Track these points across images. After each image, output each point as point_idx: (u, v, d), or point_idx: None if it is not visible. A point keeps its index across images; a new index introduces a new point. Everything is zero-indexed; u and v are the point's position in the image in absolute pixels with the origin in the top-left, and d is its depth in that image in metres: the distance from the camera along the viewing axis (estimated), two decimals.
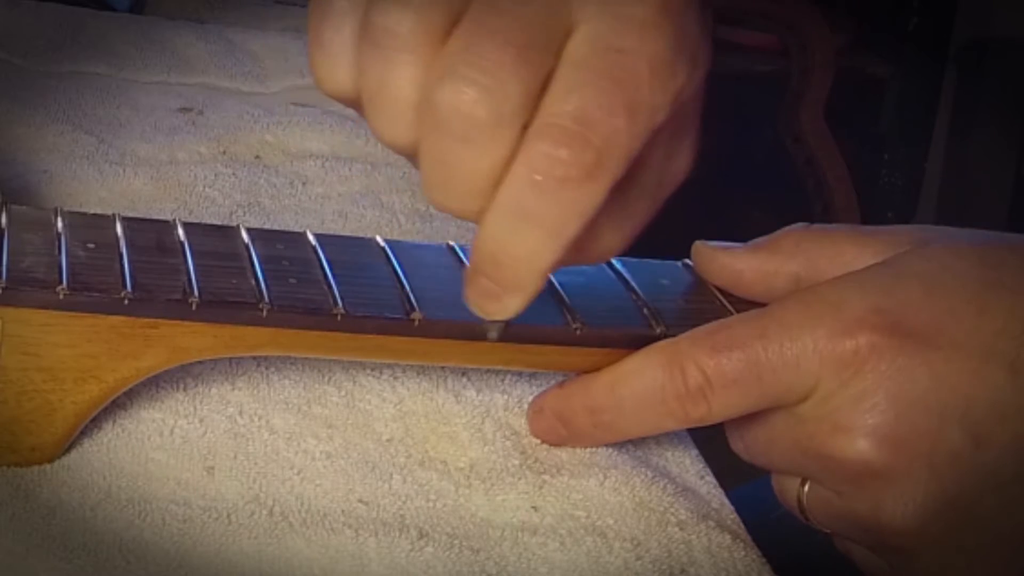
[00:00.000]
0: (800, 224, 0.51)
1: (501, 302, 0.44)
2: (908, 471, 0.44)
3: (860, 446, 0.45)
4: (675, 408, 0.47)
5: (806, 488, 0.47)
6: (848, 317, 0.45)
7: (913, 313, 0.45)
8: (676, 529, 0.46)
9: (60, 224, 0.46)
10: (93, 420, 0.44)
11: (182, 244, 0.46)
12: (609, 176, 0.42)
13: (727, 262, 0.51)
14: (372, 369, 0.51)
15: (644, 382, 0.47)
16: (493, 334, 0.46)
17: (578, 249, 0.44)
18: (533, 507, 0.46)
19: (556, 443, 0.49)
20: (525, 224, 0.42)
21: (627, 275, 0.50)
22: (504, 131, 0.41)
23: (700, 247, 0.52)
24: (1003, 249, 0.47)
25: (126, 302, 0.43)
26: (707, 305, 0.50)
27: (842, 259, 0.49)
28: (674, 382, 0.46)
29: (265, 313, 0.44)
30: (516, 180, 0.41)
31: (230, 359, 0.49)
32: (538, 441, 0.49)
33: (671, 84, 0.43)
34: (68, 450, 0.44)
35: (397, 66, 0.41)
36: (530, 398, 0.51)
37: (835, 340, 0.45)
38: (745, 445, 0.49)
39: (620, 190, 0.43)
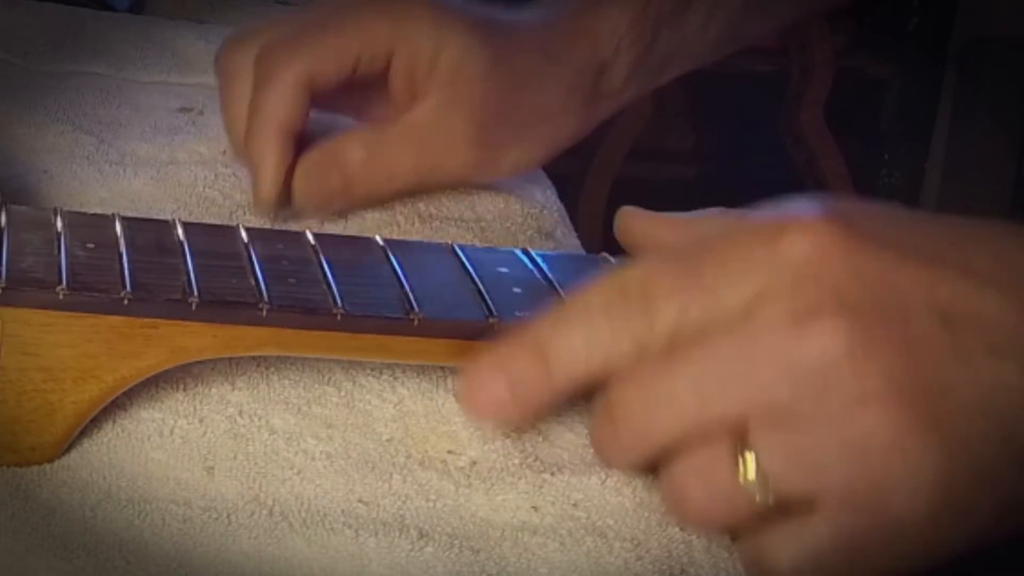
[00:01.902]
0: (715, 208, 0.51)
1: (259, 179, 0.60)
2: (889, 369, 0.40)
3: (830, 328, 0.40)
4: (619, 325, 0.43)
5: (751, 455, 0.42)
6: (799, 216, 0.42)
7: (859, 220, 0.42)
8: (676, 530, 0.46)
9: (60, 224, 0.46)
10: (93, 420, 0.44)
11: (182, 244, 0.46)
12: (298, 62, 0.60)
13: (647, 227, 0.54)
14: (372, 369, 0.51)
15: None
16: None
17: (343, 169, 0.61)
18: (533, 507, 0.46)
19: (498, 415, 0.47)
20: (251, 112, 0.60)
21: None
22: None
23: (624, 211, 0.55)
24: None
25: (126, 302, 0.43)
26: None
27: None
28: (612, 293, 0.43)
29: (265, 313, 0.44)
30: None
31: (230, 359, 0.49)
32: (539, 441, 0.49)
33: None
34: (68, 450, 0.44)
35: None
36: None
37: (782, 239, 0.41)
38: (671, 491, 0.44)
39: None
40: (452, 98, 0.62)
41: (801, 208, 0.42)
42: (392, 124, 0.62)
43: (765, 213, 0.43)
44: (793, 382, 0.41)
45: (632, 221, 0.54)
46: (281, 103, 0.58)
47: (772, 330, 0.41)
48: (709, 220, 0.51)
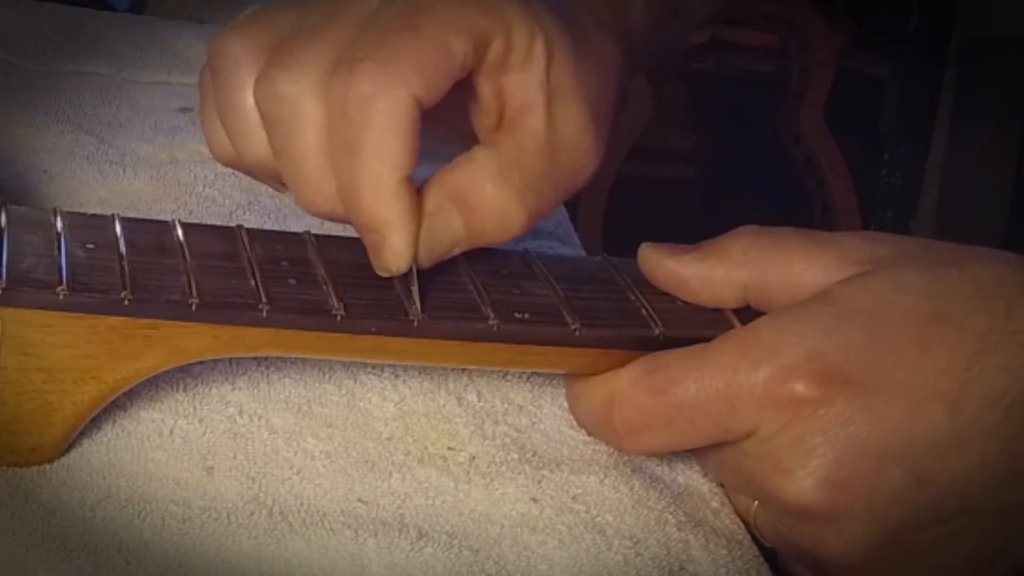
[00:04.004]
0: (749, 227, 0.49)
1: (388, 246, 0.46)
2: (849, 512, 0.45)
3: (800, 488, 0.45)
4: (614, 440, 0.48)
5: (755, 505, 0.47)
6: (785, 363, 0.45)
7: (854, 357, 0.45)
8: (675, 528, 0.46)
9: (59, 224, 0.46)
10: (93, 420, 0.44)
11: (181, 245, 0.46)
12: (403, 83, 0.45)
13: (673, 268, 0.49)
14: (373, 368, 0.51)
15: (589, 412, 0.49)
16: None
17: (470, 212, 0.47)
18: (532, 499, 0.46)
19: None
20: (348, 156, 0.45)
21: (626, 275, 0.50)
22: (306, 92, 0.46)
23: (646, 251, 0.50)
24: (952, 272, 0.46)
25: (126, 303, 0.43)
26: (704, 307, 0.50)
27: (791, 269, 0.48)
28: (611, 419, 0.47)
29: (265, 314, 0.44)
30: (329, 123, 0.46)
31: (230, 358, 0.49)
32: (538, 437, 0.50)
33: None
34: (68, 450, 0.44)
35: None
36: (530, 396, 0.52)
37: (771, 386, 0.45)
38: (699, 460, 0.50)
39: (499, 147, 0.47)
40: (559, 91, 0.49)
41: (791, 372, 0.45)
42: (507, 140, 0.48)
43: (764, 370, 0.45)
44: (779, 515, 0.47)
45: (652, 264, 0.50)
46: (398, 145, 0.45)
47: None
48: (729, 264, 0.49)
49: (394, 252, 0.46)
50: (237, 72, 0.49)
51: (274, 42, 0.48)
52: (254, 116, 0.48)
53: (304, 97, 0.46)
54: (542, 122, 0.48)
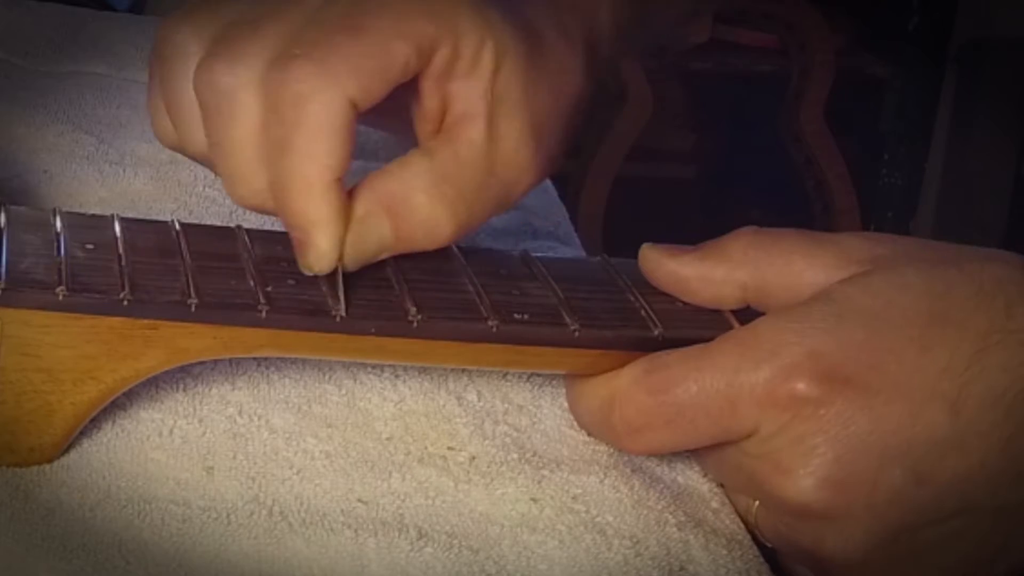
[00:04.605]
0: (749, 228, 0.49)
1: (313, 246, 0.45)
2: (849, 511, 0.45)
3: (800, 488, 0.45)
4: (614, 440, 0.48)
5: (755, 505, 0.47)
6: (786, 362, 0.45)
7: (853, 356, 0.45)
8: (675, 528, 0.46)
9: (59, 225, 0.46)
10: (92, 420, 0.44)
11: (181, 245, 0.46)
12: (338, 85, 0.45)
13: (673, 268, 0.49)
14: (373, 368, 0.51)
15: (589, 412, 0.49)
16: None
17: (399, 220, 0.46)
18: (532, 499, 0.46)
19: None
20: (279, 154, 0.45)
21: (625, 276, 0.50)
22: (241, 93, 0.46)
23: (646, 251, 0.50)
24: (951, 272, 0.46)
25: (125, 303, 0.43)
26: (703, 308, 0.50)
27: (791, 270, 0.48)
28: (612, 419, 0.47)
29: (264, 314, 0.44)
30: (263, 119, 0.46)
31: (230, 359, 0.49)
32: (538, 437, 0.50)
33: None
34: (67, 450, 0.44)
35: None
36: (530, 396, 0.52)
37: (772, 386, 0.45)
38: (699, 460, 0.50)
39: (430, 154, 0.47)
40: (504, 102, 0.49)
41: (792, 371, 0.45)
42: (444, 149, 0.48)
43: (764, 371, 0.45)
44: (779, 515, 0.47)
45: (653, 264, 0.50)
46: (328, 146, 0.45)
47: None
48: (730, 264, 0.49)
49: (318, 252, 0.45)
50: (182, 60, 0.48)
51: (219, 32, 0.48)
52: (195, 105, 0.48)
53: (240, 90, 0.46)
54: (481, 134, 0.48)
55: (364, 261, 0.47)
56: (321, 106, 0.44)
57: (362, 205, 0.46)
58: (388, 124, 0.52)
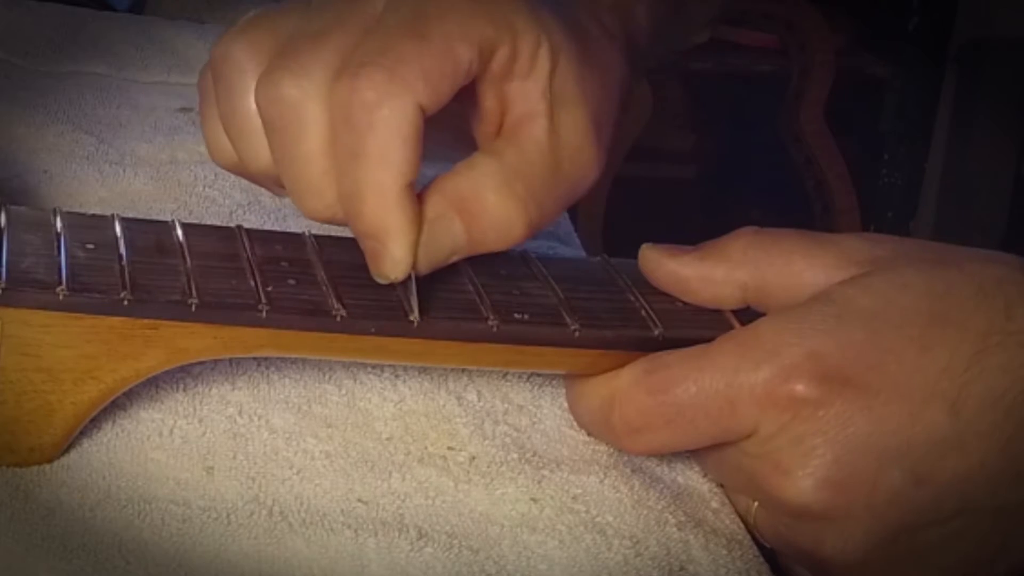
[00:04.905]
0: (749, 228, 0.49)
1: (388, 254, 0.45)
2: (848, 512, 0.45)
3: (800, 488, 0.45)
4: (614, 440, 0.48)
5: (755, 505, 0.47)
6: (786, 363, 0.45)
7: (853, 357, 0.45)
8: (675, 528, 0.46)
9: (59, 224, 0.46)
10: (92, 420, 0.44)
11: (181, 245, 0.46)
12: (408, 91, 0.44)
13: (673, 269, 0.49)
14: (373, 368, 0.51)
15: (589, 412, 0.49)
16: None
17: (471, 220, 0.46)
18: (532, 499, 0.46)
19: None
20: (351, 162, 0.45)
21: (625, 276, 0.50)
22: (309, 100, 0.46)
23: (646, 252, 0.50)
24: (951, 273, 0.47)
25: (125, 303, 0.43)
26: (703, 308, 0.50)
27: (791, 270, 0.48)
28: (611, 419, 0.47)
29: (264, 314, 0.44)
30: (332, 129, 0.45)
31: (230, 359, 0.49)
32: (538, 437, 0.50)
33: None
34: (67, 450, 0.44)
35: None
36: (530, 396, 0.52)
37: (772, 386, 0.45)
38: (698, 460, 0.50)
39: (498, 154, 0.47)
40: (562, 100, 0.49)
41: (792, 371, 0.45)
42: (510, 149, 0.48)
43: (764, 371, 0.45)
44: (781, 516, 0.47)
45: (653, 264, 0.50)
46: (401, 152, 0.45)
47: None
48: (730, 264, 0.49)
49: (393, 260, 0.45)
50: (240, 77, 0.48)
51: (277, 46, 0.48)
52: (257, 121, 0.48)
53: (307, 102, 0.46)
54: (545, 131, 0.48)
55: (437, 264, 0.47)
56: (392, 112, 0.44)
57: (433, 207, 0.46)
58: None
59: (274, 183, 0.50)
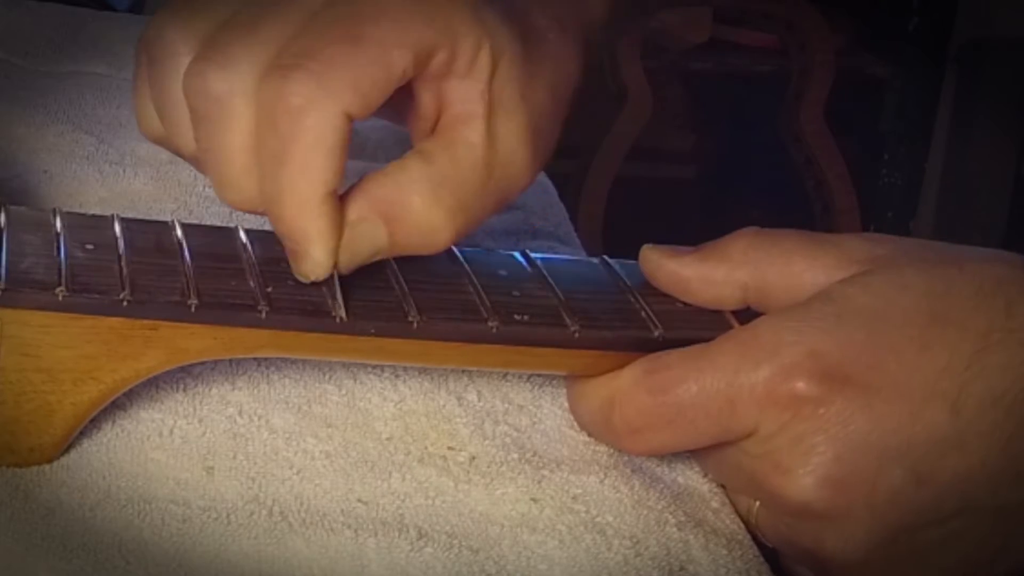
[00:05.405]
0: (750, 228, 0.49)
1: (308, 256, 0.45)
2: (849, 511, 0.45)
3: (800, 487, 0.45)
4: (615, 441, 0.48)
5: (756, 505, 0.47)
6: (786, 362, 0.45)
7: (854, 356, 0.45)
8: (675, 528, 0.46)
9: (59, 225, 0.46)
10: (92, 420, 0.44)
11: (181, 245, 0.46)
12: (335, 99, 0.44)
13: (674, 269, 0.49)
14: (373, 368, 0.51)
15: (589, 412, 0.49)
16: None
17: (395, 225, 0.46)
18: (532, 499, 0.46)
19: None
20: (273, 165, 0.44)
21: (625, 277, 0.50)
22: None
23: (647, 252, 0.50)
24: (951, 272, 0.47)
25: (125, 303, 0.43)
26: (703, 309, 0.50)
27: (791, 270, 0.48)
28: (612, 419, 0.47)
29: (264, 315, 0.44)
30: (256, 127, 0.45)
31: (230, 359, 0.49)
32: (538, 437, 0.50)
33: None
34: (67, 450, 0.44)
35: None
36: (531, 396, 0.52)
37: (772, 385, 0.45)
38: (699, 460, 0.50)
39: (429, 161, 0.46)
40: (501, 104, 0.48)
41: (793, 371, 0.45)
42: (441, 153, 0.47)
43: (764, 370, 0.45)
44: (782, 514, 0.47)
45: (653, 266, 0.50)
46: (324, 162, 0.44)
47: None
48: (730, 265, 0.49)
49: (313, 262, 0.45)
50: (172, 59, 0.47)
51: (211, 31, 0.46)
52: (185, 106, 0.47)
53: (234, 97, 0.45)
54: (480, 135, 0.47)
55: (358, 264, 0.46)
56: (318, 121, 0.44)
57: (356, 210, 0.46)
58: (385, 116, 0.50)
59: (201, 166, 0.49)
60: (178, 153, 0.50)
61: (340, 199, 0.46)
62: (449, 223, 0.47)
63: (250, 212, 0.47)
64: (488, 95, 0.47)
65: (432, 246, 0.47)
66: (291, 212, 0.45)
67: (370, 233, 0.46)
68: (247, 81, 0.45)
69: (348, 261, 0.46)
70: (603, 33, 0.57)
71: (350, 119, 0.44)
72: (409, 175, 0.46)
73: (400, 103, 0.48)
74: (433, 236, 0.47)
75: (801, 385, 0.44)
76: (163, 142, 0.50)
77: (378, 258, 0.47)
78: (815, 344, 0.45)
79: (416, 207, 0.46)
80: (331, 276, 0.46)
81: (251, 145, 0.45)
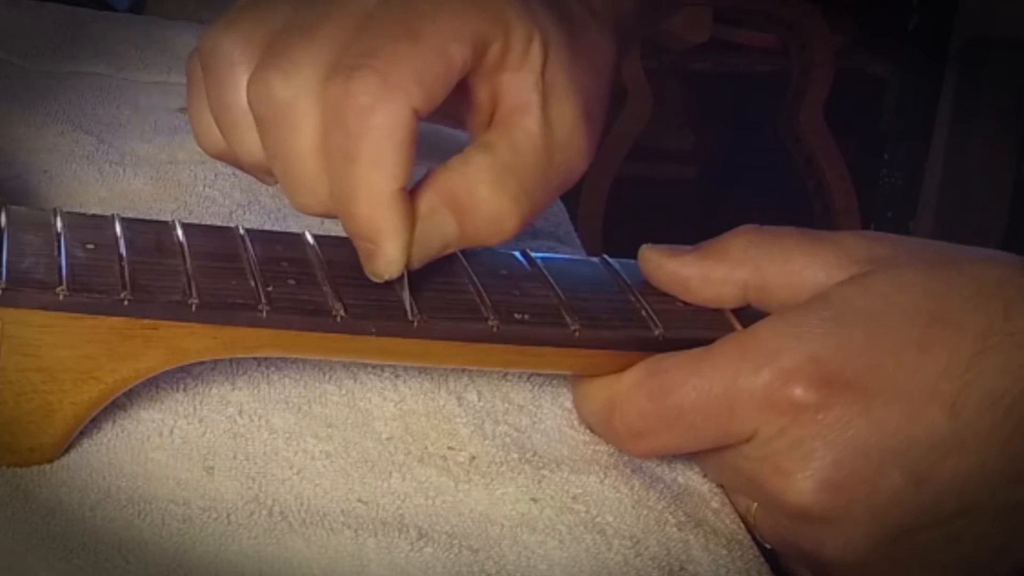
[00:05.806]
0: (749, 226, 0.49)
1: (382, 254, 0.46)
2: (848, 514, 0.45)
3: (799, 491, 0.45)
4: (616, 442, 0.49)
5: (755, 506, 0.47)
6: (785, 366, 0.45)
7: (853, 359, 0.45)
8: (675, 528, 0.46)
9: (59, 225, 0.46)
10: (93, 420, 0.44)
11: (181, 245, 0.46)
12: (401, 95, 0.44)
13: (673, 268, 0.49)
14: (373, 368, 0.51)
15: (592, 413, 0.49)
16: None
17: (464, 216, 0.46)
18: (532, 499, 0.46)
19: None
20: (344, 164, 0.45)
21: (625, 276, 0.50)
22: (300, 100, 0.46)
23: (646, 252, 0.50)
24: (951, 273, 0.47)
25: (125, 303, 0.43)
26: (703, 308, 0.50)
27: (790, 268, 0.48)
28: (613, 423, 0.47)
29: (264, 315, 0.44)
30: (324, 129, 0.45)
31: (230, 358, 0.49)
32: (538, 437, 0.50)
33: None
34: (67, 450, 0.44)
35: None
36: (531, 396, 0.52)
37: (771, 390, 0.45)
38: (698, 463, 0.50)
39: (491, 150, 0.47)
40: (554, 91, 0.49)
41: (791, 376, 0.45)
42: (502, 142, 0.48)
43: (763, 375, 0.45)
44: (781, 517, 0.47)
45: (653, 265, 0.50)
46: (395, 157, 0.45)
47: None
48: (730, 263, 0.49)
49: (387, 260, 0.45)
50: (231, 70, 0.48)
51: (267, 39, 0.47)
52: (249, 116, 0.47)
53: (299, 101, 0.46)
54: (537, 123, 0.48)
55: (429, 258, 0.47)
56: (386, 117, 0.44)
57: (426, 203, 0.46)
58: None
59: (265, 174, 0.50)
60: (239, 164, 0.50)
61: (410, 196, 0.46)
62: (515, 210, 0.47)
63: (322, 216, 0.48)
64: (542, 84, 0.48)
65: (500, 234, 0.48)
66: (364, 209, 0.45)
67: (441, 226, 0.47)
68: (311, 84, 0.45)
69: (419, 256, 0.46)
70: (636, 24, 0.58)
71: (416, 114, 0.45)
72: (474, 166, 0.47)
73: (455, 101, 0.49)
74: (501, 224, 0.47)
75: (800, 391, 0.44)
76: (224, 155, 0.51)
77: (447, 252, 0.47)
78: (814, 349, 0.45)
79: (483, 196, 0.47)
80: (403, 275, 0.46)
81: (320, 147, 0.46)
